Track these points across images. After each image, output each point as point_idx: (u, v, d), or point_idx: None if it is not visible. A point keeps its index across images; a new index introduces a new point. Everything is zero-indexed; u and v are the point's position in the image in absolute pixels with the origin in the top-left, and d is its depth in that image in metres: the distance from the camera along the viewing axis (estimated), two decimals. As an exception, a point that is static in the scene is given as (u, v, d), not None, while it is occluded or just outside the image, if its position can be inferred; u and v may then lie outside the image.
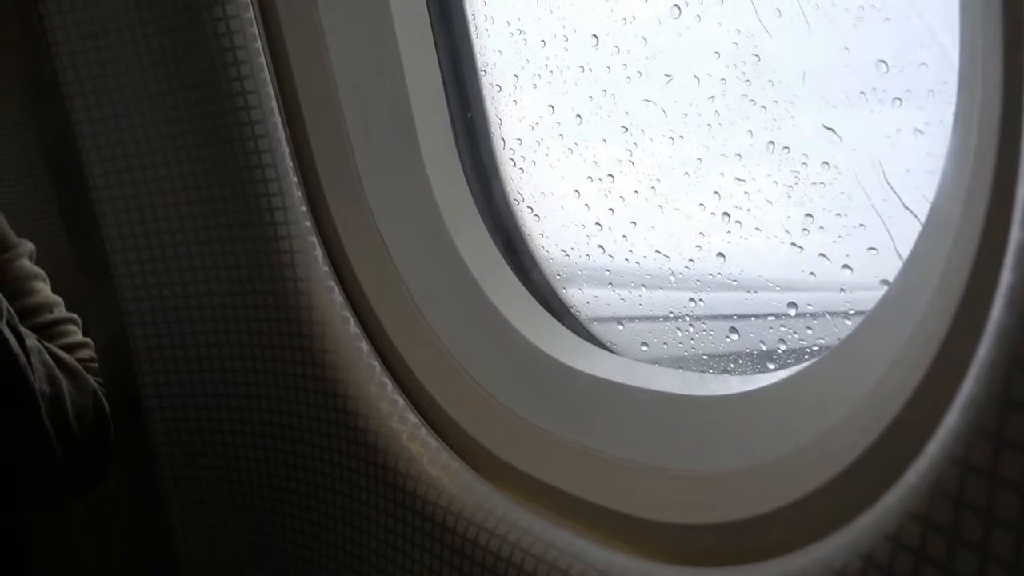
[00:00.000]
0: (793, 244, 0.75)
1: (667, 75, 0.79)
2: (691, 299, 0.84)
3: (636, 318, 0.89)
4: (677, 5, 0.76)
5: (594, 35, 0.83)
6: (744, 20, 0.72)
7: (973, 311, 0.45)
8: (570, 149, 0.90)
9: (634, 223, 0.86)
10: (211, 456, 1.03)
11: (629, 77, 0.82)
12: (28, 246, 1.06)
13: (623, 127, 0.84)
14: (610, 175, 0.87)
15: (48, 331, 0.99)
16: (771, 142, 0.73)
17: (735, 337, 0.81)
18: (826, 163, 0.70)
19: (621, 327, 0.91)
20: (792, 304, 0.76)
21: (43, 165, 1.11)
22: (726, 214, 0.78)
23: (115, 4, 0.93)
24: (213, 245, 0.96)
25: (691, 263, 0.84)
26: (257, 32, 0.90)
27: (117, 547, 1.27)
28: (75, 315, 1.06)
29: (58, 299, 1.06)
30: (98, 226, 0.98)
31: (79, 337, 1.04)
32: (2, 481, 0.94)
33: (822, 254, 0.73)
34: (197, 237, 0.97)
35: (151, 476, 1.07)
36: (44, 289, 1.04)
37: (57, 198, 1.07)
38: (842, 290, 0.73)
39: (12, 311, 0.87)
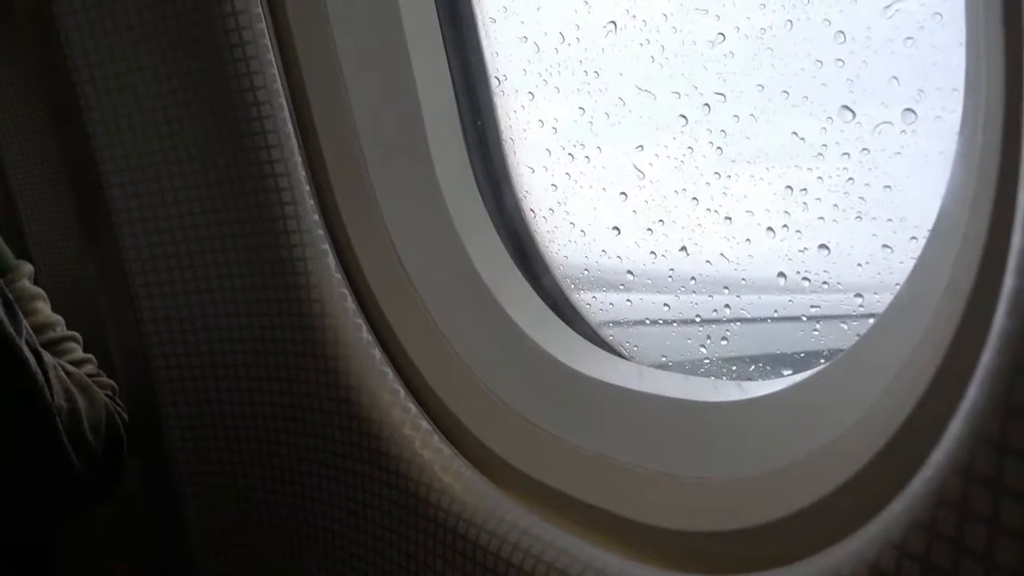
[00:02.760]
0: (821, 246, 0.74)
1: (681, 79, 0.79)
2: (725, 306, 0.83)
3: (649, 322, 0.89)
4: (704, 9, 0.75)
5: (605, 47, 0.83)
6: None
7: (979, 316, 0.45)
8: (587, 156, 0.89)
9: (649, 229, 0.86)
10: (227, 463, 1.04)
11: (639, 86, 0.82)
12: (28, 267, 1.08)
13: (637, 133, 0.84)
14: (623, 183, 0.87)
15: (53, 349, 1.02)
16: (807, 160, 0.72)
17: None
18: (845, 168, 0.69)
19: (634, 335, 0.91)
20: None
21: (64, 178, 1.12)
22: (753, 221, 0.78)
23: (131, 16, 0.94)
24: (228, 253, 0.97)
25: (707, 266, 0.83)
26: (270, 43, 0.91)
27: (138, 554, 1.28)
28: (76, 333, 1.09)
29: (59, 318, 1.08)
30: (115, 236, 1.00)
31: (81, 354, 1.07)
32: (24, 494, 0.96)
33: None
34: (212, 245, 0.98)
35: (170, 484, 1.08)
36: (45, 309, 1.07)
37: (77, 210, 1.08)
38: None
39: (31, 330, 0.89)
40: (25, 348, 0.86)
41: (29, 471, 0.92)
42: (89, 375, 1.02)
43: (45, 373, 0.88)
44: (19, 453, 0.90)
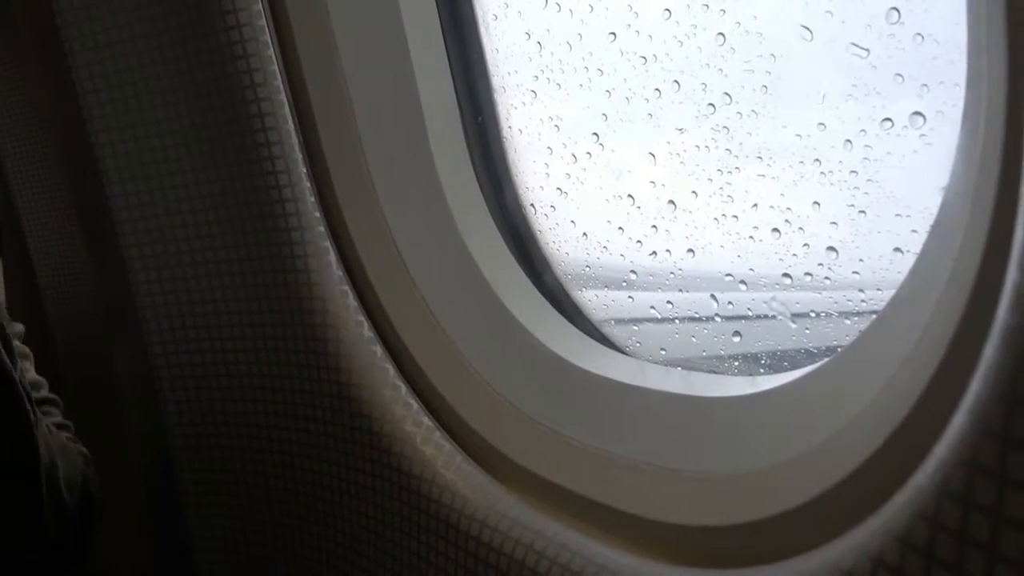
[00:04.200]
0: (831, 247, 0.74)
1: (683, 75, 0.79)
2: (728, 303, 0.82)
3: (649, 320, 0.89)
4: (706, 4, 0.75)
5: (612, 39, 0.83)
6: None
7: (981, 310, 0.45)
8: (588, 153, 0.89)
9: (654, 226, 0.86)
10: (228, 461, 1.04)
11: (642, 82, 0.82)
12: (17, 327, 1.07)
13: (639, 130, 0.84)
14: (624, 180, 0.87)
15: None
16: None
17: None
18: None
19: (636, 328, 0.91)
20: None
21: (65, 178, 1.12)
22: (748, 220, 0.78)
23: (130, 14, 0.94)
24: (228, 251, 0.97)
25: (709, 263, 0.83)
26: (270, 40, 0.91)
27: (138, 553, 1.28)
28: (57, 396, 1.08)
29: (43, 380, 1.07)
30: (116, 234, 1.00)
31: (60, 419, 1.05)
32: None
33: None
34: (212, 243, 0.98)
35: (170, 483, 1.08)
36: (30, 370, 1.05)
37: (77, 209, 1.08)
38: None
39: (28, 388, 0.88)
40: (21, 389, 0.85)
41: (5, 518, 0.90)
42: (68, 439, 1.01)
43: (36, 416, 0.88)
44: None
